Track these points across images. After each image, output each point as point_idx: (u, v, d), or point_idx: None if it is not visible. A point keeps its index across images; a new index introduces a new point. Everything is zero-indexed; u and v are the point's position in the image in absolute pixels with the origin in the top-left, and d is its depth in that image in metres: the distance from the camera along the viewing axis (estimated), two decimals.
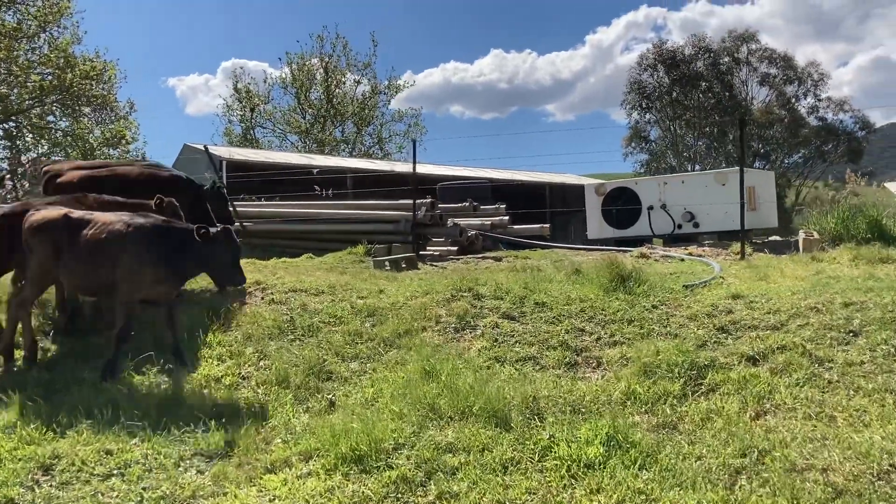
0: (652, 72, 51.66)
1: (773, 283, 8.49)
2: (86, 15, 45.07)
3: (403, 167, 28.34)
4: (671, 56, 51.02)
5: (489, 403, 5.53)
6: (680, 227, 14.42)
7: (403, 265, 10.96)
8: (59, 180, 9.43)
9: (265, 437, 5.49)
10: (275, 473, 4.94)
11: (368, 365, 6.89)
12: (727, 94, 50.83)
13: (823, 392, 5.78)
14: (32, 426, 5.65)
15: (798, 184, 50.25)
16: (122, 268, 6.79)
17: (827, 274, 8.74)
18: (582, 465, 4.68)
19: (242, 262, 7.19)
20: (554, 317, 7.58)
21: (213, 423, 5.62)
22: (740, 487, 4.41)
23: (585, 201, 15.79)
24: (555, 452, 4.85)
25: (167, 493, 4.75)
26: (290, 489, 4.71)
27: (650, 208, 14.56)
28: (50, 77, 28.77)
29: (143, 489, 4.79)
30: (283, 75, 45.37)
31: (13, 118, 29.14)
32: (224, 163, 20.88)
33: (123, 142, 31.87)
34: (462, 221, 13.64)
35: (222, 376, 6.72)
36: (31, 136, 30.49)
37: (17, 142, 30.00)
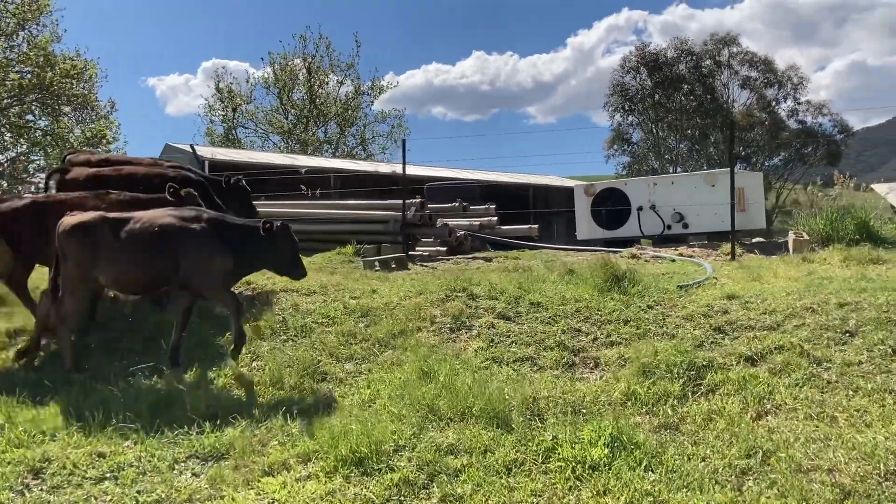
0: (635, 74, 51.88)
1: (766, 283, 8.49)
2: (65, 13, 44.56)
3: (389, 168, 28.23)
4: (654, 59, 51.26)
5: (489, 404, 5.46)
6: (669, 227, 14.44)
7: (393, 265, 10.88)
8: (66, 177, 9.11)
9: (261, 438, 5.36)
10: (273, 476, 4.82)
11: (364, 366, 6.79)
12: (709, 96, 51.13)
13: (823, 392, 5.77)
14: (21, 428, 5.51)
15: (778, 186, 50.63)
16: (191, 261, 6.78)
17: (819, 275, 8.76)
18: (587, 466, 4.61)
19: None
20: (550, 317, 7.53)
21: (207, 424, 5.51)
22: (748, 489, 4.36)
23: (575, 202, 15.77)
24: (558, 454, 4.78)
25: (163, 496, 4.62)
26: (289, 492, 4.60)
27: (640, 209, 14.56)
28: (29, 75, 28.37)
29: (138, 493, 4.66)
30: (266, 75, 45.16)
31: None
32: (207, 163, 20.67)
33: (104, 141, 31.49)
34: (450, 222, 13.57)
35: (215, 377, 6.59)
36: (9, 135, 30.03)
37: None
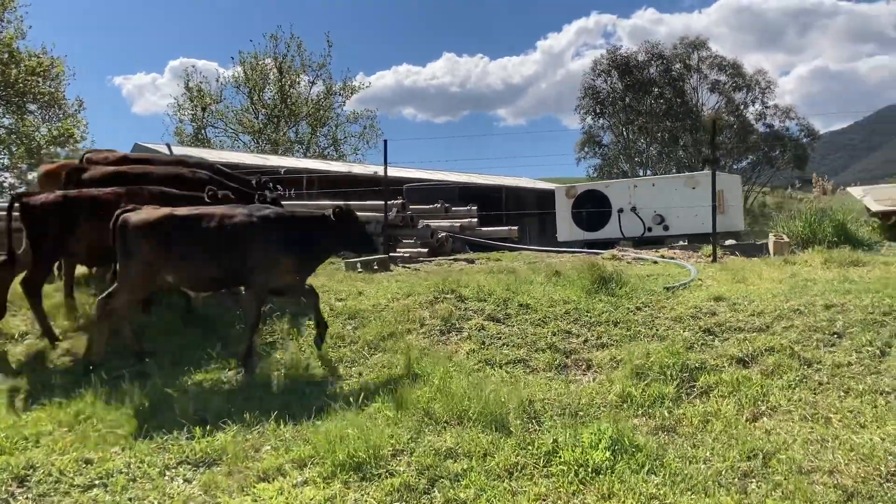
0: (606, 77, 52.37)
1: (751, 285, 8.53)
2: (29, 10, 43.69)
3: (362, 168, 28.07)
4: (625, 62, 51.77)
5: (486, 407, 5.40)
6: (650, 229, 14.51)
7: (375, 267, 10.76)
8: (83, 176, 8.86)
9: (253, 443, 5.25)
10: (268, 482, 4.71)
11: (353, 369, 6.70)
12: (679, 100, 51.75)
13: (815, 394, 5.79)
14: (3, 434, 5.33)
15: (746, 189, 51.39)
16: (268, 256, 6.82)
17: (802, 276, 8.83)
18: (590, 469, 4.57)
19: None
20: (539, 319, 7.49)
21: (197, 429, 5.38)
22: (753, 491, 4.35)
23: (556, 204, 15.77)
24: (560, 457, 4.74)
25: (155, 503, 4.50)
26: (286, 498, 4.49)
27: (620, 211, 14.61)
28: None
29: (129, 500, 4.54)
30: (236, 74, 44.66)
31: None
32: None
33: (72, 140, 30.95)
34: (430, 223, 13.48)
35: (202, 381, 6.45)
36: None
37: None
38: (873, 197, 13.77)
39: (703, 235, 13.02)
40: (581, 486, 4.44)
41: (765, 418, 5.44)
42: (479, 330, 7.28)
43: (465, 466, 4.70)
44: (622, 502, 4.26)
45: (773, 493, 4.30)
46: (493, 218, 17.05)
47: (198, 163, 10.24)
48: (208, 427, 5.45)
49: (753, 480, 4.48)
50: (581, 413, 5.54)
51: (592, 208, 14.95)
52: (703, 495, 4.30)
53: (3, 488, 4.66)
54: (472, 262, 11.16)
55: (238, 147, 44.10)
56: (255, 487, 4.65)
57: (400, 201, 13.00)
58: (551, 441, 4.93)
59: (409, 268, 10.96)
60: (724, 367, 6.33)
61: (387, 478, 4.61)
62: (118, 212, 6.92)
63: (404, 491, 4.47)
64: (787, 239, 11.22)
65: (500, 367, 6.54)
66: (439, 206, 14.25)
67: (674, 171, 47.47)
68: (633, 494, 4.29)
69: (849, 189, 14.93)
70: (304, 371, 6.59)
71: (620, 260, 11.13)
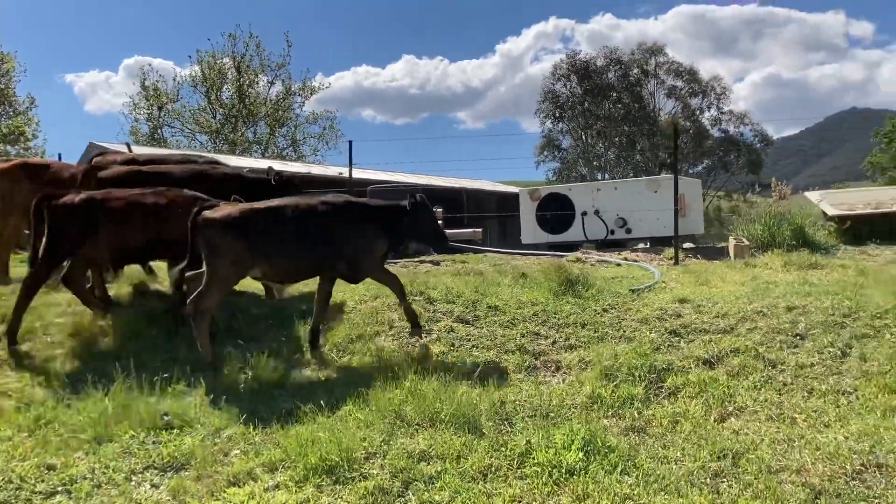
0: (565, 82, 52.92)
1: (714, 287, 8.67)
2: None
3: (322, 170, 27.89)
4: (584, 67, 52.38)
5: (458, 409, 5.38)
6: (613, 232, 14.65)
7: None
8: (101, 174, 8.80)
9: (222, 447, 5.16)
10: (239, 486, 4.63)
11: (322, 372, 6.62)
12: (636, 105, 52.51)
13: (780, 394, 5.90)
14: None
15: (703, 193, 52.24)
16: (354, 245, 7.05)
17: (764, 279, 8.99)
18: (564, 470, 4.57)
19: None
20: (508, 321, 7.51)
21: (164, 434, 5.28)
22: (725, 491, 4.40)
23: (520, 206, 15.82)
24: (533, 458, 4.73)
25: None
26: (257, 503, 4.42)
27: (584, 214, 14.71)
28: None
29: None
30: (193, 73, 44.07)
31: None
32: None
33: (23, 138, 30.20)
34: None
35: (168, 384, 6.31)
36: None
37: None
38: (829, 202, 14.10)
39: (664, 238, 13.19)
40: (556, 488, 4.44)
41: (732, 419, 5.51)
42: (448, 332, 7.27)
43: (439, 468, 4.68)
44: (597, 503, 4.27)
45: (744, 492, 4.35)
46: (455, 220, 17.06)
47: (209, 161, 10.11)
48: (176, 431, 5.36)
49: (725, 480, 4.53)
50: (552, 414, 5.56)
51: (556, 211, 15.04)
52: (676, 495, 4.33)
53: None
54: (437, 263, 11.13)
55: (195, 147, 43.51)
56: (225, 492, 4.56)
57: None
58: (524, 442, 4.93)
59: None
60: (690, 368, 6.41)
61: (360, 481, 4.56)
62: (196, 209, 6.90)
63: (378, 494, 4.42)
64: (747, 242, 11.42)
65: (472, 369, 6.53)
66: None
67: (631, 175, 48.07)
68: (607, 495, 4.31)
69: (806, 194, 15.28)
70: (272, 374, 6.49)
71: (585, 262, 11.21)
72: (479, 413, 5.43)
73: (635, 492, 4.36)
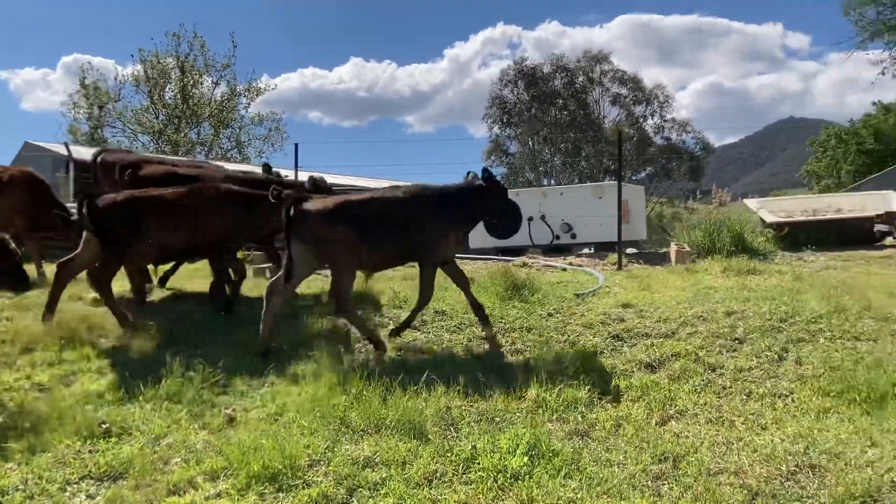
0: (512, 88, 53.32)
1: (656, 292, 8.82)
2: None
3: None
4: (531, 73, 52.85)
5: (404, 415, 5.36)
6: (558, 237, 14.79)
7: (268, 275, 10.54)
8: (140, 173, 8.82)
9: (162, 455, 5.04)
10: (179, 495, 4.53)
11: (266, 378, 6.53)
12: (582, 112, 53.16)
13: (720, 397, 6.02)
14: None
15: (644, 199, 53.14)
16: (439, 233, 7.29)
17: (704, 284, 9.18)
18: (508, 475, 4.60)
19: None
20: (455, 325, 7.54)
21: (101, 442, 5.14)
22: (666, 493, 4.47)
23: None
24: (478, 463, 4.74)
25: None
26: None
27: (530, 219, 14.81)
28: None
29: None
30: (136, 73, 43.10)
31: None
32: (71, 163, 19.50)
33: None
34: None
35: (104, 391, 6.15)
36: None
37: None
38: (768, 209, 14.47)
39: (608, 244, 13.38)
40: (500, 493, 4.46)
41: (673, 422, 5.61)
42: (395, 337, 7.23)
43: (384, 475, 4.65)
44: None
45: (684, 494, 4.43)
46: None
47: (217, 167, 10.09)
48: (113, 439, 5.22)
49: (666, 483, 4.60)
50: (498, 419, 5.57)
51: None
52: (618, 498, 4.39)
53: None
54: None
55: (137, 148, 42.53)
56: (164, 501, 4.46)
57: None
58: (470, 447, 4.94)
59: (319, 274, 10.78)
60: (633, 371, 6.50)
61: (303, 488, 4.51)
62: (289, 203, 7.04)
63: (322, 502, 4.38)
64: (688, 248, 11.66)
65: (417, 375, 6.50)
66: None
67: (576, 181, 48.71)
68: (551, 499, 4.34)
69: (745, 201, 15.65)
70: (214, 379, 6.37)
71: (531, 267, 11.31)
72: (424, 419, 5.42)
73: (579, 495, 4.40)
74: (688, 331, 7.32)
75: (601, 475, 4.64)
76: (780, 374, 6.36)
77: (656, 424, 5.53)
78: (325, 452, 4.95)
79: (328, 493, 4.47)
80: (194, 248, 8.00)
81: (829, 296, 7.98)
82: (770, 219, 13.87)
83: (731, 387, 6.18)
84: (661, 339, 7.16)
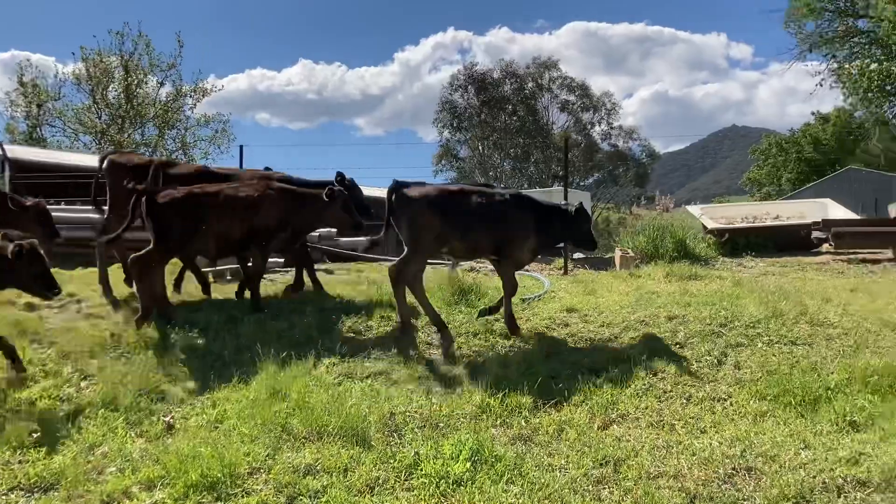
0: (463, 92, 53.52)
1: (601, 297, 8.90)
2: None
3: None
4: (481, 78, 53.12)
5: (347, 422, 5.32)
6: None
7: (229, 277, 10.40)
8: (172, 171, 8.96)
9: (96, 465, 4.91)
10: None
11: (207, 384, 6.40)
12: (531, 118, 53.63)
13: (661, 401, 6.09)
14: None
15: (592, 205, 53.82)
16: (519, 233, 7.71)
17: (647, 289, 9.31)
18: (451, 481, 4.59)
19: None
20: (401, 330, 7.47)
21: (32, 452, 4.98)
22: (606, 497, 4.51)
23: None
24: (421, 470, 4.73)
25: None
26: None
27: None
28: None
29: None
30: (77, 71, 41.99)
31: None
32: (7, 163, 18.94)
33: None
34: None
35: (37, 399, 5.96)
36: None
37: None
38: (709, 215, 14.78)
39: (554, 249, 13.45)
40: (442, 499, 4.45)
41: (615, 426, 5.66)
42: (340, 343, 7.17)
43: (325, 483, 4.61)
44: None
45: (624, 498, 4.48)
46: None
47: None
48: (45, 448, 5.06)
49: (606, 487, 4.65)
50: (442, 425, 5.56)
51: None
52: (559, 503, 4.41)
53: None
54: (331, 272, 11.00)
55: (78, 148, 41.47)
56: None
57: None
58: (412, 454, 4.92)
59: (265, 279, 10.64)
60: (576, 376, 6.53)
61: (243, 497, 4.45)
62: (391, 188, 7.52)
63: None
64: (632, 253, 11.83)
65: (361, 381, 6.46)
66: None
67: (525, 186, 49.07)
68: None
69: (687, 207, 15.95)
70: (153, 386, 6.23)
71: (478, 272, 11.33)
72: (368, 425, 5.38)
73: (520, 501, 4.42)
74: (630, 335, 7.41)
75: (543, 480, 4.66)
76: (719, 379, 6.47)
77: (598, 429, 5.57)
78: (265, 460, 4.88)
79: (268, 501, 4.42)
80: (248, 242, 8.20)
81: (766, 301, 8.16)
82: (711, 225, 14.16)
83: (671, 391, 6.26)
84: (605, 344, 7.24)
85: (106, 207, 9.15)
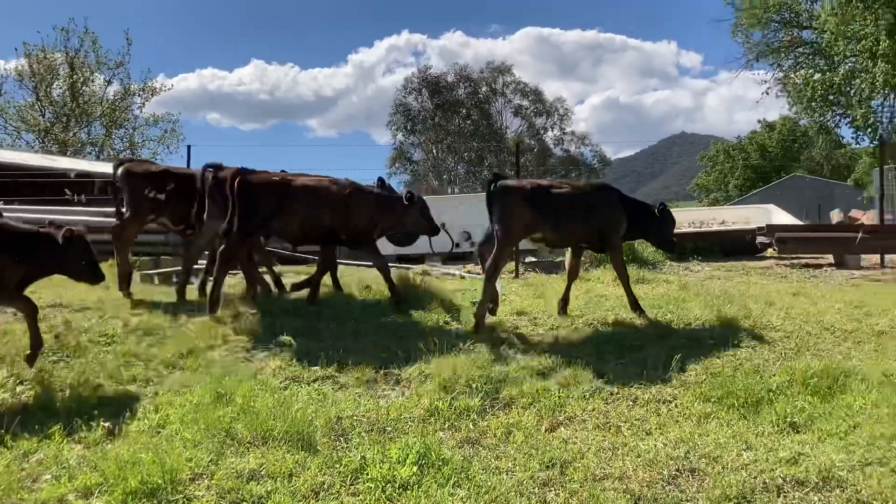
0: (417, 95, 53.68)
1: (550, 301, 8.95)
2: None
3: None
4: (435, 82, 53.35)
5: (292, 426, 5.23)
6: (458, 245, 14.81)
7: (174, 279, 10.22)
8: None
9: (30, 472, 4.75)
10: None
11: (149, 388, 6.26)
12: (485, 122, 54.03)
13: (607, 403, 6.13)
14: None
15: None
16: (611, 225, 8.35)
17: (596, 293, 9.42)
18: (397, 485, 4.55)
19: None
20: (350, 333, 7.41)
21: None
22: (552, 500, 4.52)
23: None
24: (367, 474, 4.68)
25: None
26: None
27: None
28: None
29: None
30: (19, 67, 40.93)
31: None
32: None
33: None
34: None
35: None
36: None
37: None
38: None
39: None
40: (388, 503, 4.41)
41: (562, 428, 5.67)
42: (288, 345, 7.08)
43: (269, 488, 4.53)
44: None
45: (570, 500, 4.49)
46: None
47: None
48: None
49: (552, 489, 4.65)
50: (389, 429, 5.52)
51: None
52: None
53: None
54: (280, 275, 10.86)
55: (20, 146, 40.37)
56: None
57: None
58: (359, 458, 4.86)
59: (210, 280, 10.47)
60: (525, 379, 6.55)
61: (183, 503, 4.34)
62: (491, 180, 8.09)
63: None
64: (582, 257, 11.91)
65: (308, 384, 6.39)
66: None
67: (479, 189, 49.29)
68: None
69: None
70: (93, 390, 6.07)
71: (430, 275, 11.32)
72: (314, 429, 5.31)
73: None
74: (579, 338, 7.46)
75: (489, 483, 4.65)
76: (664, 381, 6.54)
77: (546, 431, 5.59)
78: (208, 465, 4.77)
79: None
80: (334, 234, 8.70)
81: (712, 305, 8.30)
82: None
83: (618, 393, 6.31)
84: (553, 347, 7.27)
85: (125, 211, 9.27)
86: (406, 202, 8.88)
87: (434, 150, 54.86)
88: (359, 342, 7.29)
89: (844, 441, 5.14)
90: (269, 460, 4.84)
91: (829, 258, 14.38)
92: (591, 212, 8.20)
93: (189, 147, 12.84)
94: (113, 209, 9.77)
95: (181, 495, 4.42)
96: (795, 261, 13.52)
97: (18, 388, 6.07)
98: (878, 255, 14.56)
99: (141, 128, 44.20)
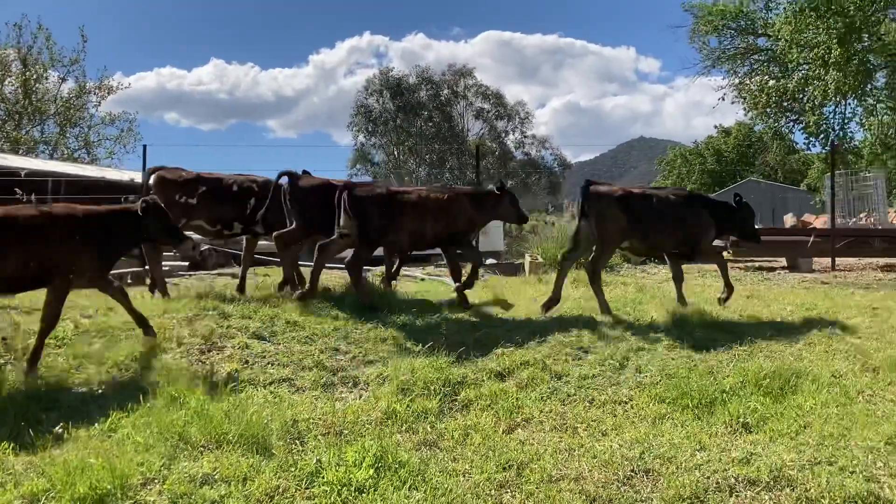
0: (378, 97, 53.53)
1: (509, 302, 9.00)
2: None
3: (118, 174, 26.21)
4: (396, 83, 53.26)
5: (247, 430, 5.16)
6: None
7: (129, 281, 10.04)
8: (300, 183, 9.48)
9: None
10: None
11: (101, 391, 6.13)
12: (447, 124, 54.12)
13: (564, 405, 6.17)
14: None
15: None
16: (700, 229, 8.74)
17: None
18: (353, 489, 4.51)
19: None
20: (307, 336, 7.36)
21: None
22: (507, 502, 4.52)
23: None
24: (323, 478, 4.63)
25: None
26: None
27: None
28: None
29: None
30: None
31: None
32: None
33: None
34: (194, 236, 12.77)
35: None
36: None
37: None
38: None
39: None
40: None
41: (520, 430, 5.69)
42: (242, 349, 6.99)
43: (223, 492, 4.45)
44: None
45: (526, 502, 4.50)
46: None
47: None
48: None
49: (508, 491, 4.65)
50: (346, 431, 5.47)
51: None
52: None
53: None
54: (237, 276, 10.74)
55: None
56: None
57: None
58: (314, 461, 4.81)
59: (167, 282, 10.30)
60: (483, 380, 6.56)
61: None
62: (585, 186, 8.55)
63: None
64: (541, 259, 12.02)
65: (264, 388, 6.31)
66: None
67: None
68: None
69: None
70: (40, 393, 5.92)
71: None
72: (269, 433, 5.24)
73: None
74: (536, 340, 7.49)
75: (446, 485, 4.64)
76: (621, 382, 6.60)
77: (503, 433, 5.59)
78: (160, 470, 4.68)
79: None
80: (442, 239, 9.02)
81: (667, 307, 8.41)
82: None
83: (575, 394, 6.35)
84: (511, 348, 7.29)
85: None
86: (497, 192, 9.33)
87: (395, 152, 54.77)
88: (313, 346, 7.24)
89: (795, 441, 5.23)
90: (224, 464, 4.76)
91: (783, 261, 14.67)
92: (681, 220, 8.61)
93: (145, 147, 12.63)
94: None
95: (131, 500, 4.33)
96: (749, 264, 13.76)
97: None
98: (829, 259, 14.90)
99: (96, 126, 43.48)
